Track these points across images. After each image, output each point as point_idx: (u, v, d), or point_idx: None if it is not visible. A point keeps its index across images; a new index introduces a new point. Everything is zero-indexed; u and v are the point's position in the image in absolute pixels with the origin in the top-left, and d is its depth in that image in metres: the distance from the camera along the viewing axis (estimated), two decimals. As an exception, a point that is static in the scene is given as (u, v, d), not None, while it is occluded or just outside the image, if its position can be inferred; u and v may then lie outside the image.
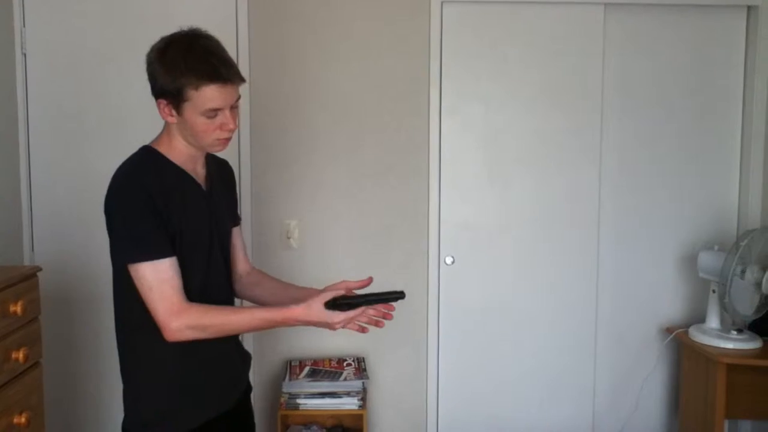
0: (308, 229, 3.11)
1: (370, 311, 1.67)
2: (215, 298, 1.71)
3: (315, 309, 1.63)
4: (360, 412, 2.85)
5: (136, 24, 2.92)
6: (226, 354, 1.79)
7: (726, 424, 2.99)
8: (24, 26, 2.89)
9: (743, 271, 2.80)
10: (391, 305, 1.70)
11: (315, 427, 2.98)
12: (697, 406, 3.00)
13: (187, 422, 1.69)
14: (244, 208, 3.01)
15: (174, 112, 1.64)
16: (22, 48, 2.89)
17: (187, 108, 1.62)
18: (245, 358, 1.92)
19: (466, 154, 3.16)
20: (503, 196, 3.19)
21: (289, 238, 3.10)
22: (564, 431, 3.25)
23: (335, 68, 3.07)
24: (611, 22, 3.15)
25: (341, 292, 1.66)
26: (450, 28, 3.09)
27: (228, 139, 1.70)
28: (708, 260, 2.98)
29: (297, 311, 1.63)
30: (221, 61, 1.64)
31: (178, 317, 1.59)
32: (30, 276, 2.13)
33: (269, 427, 3.08)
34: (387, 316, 1.71)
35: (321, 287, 3.24)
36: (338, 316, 1.63)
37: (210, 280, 1.73)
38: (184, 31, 1.67)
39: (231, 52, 3.00)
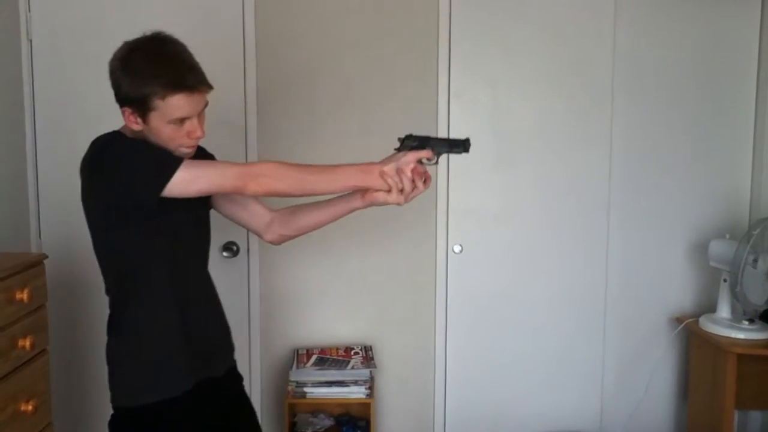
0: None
1: (418, 169, 1.69)
2: (190, 284, 1.74)
3: (385, 162, 1.68)
4: (368, 401, 2.84)
5: (143, 8, 2.89)
6: (200, 326, 1.79)
7: (735, 414, 2.96)
8: (29, 12, 2.86)
9: (755, 261, 2.76)
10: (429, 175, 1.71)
11: (322, 416, 2.97)
12: (706, 395, 2.98)
13: (163, 391, 1.70)
14: (251, 195, 2.99)
15: (140, 120, 1.62)
16: (27, 34, 2.87)
17: (154, 117, 1.60)
18: (228, 336, 1.93)
19: (474, 136, 3.07)
20: (512, 182, 3.15)
21: (296, 225, 3.07)
22: (572, 418, 3.24)
23: (343, 50, 3.04)
24: (622, 5, 3.10)
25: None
26: (459, 9, 3.04)
27: (195, 146, 1.69)
28: (719, 249, 2.95)
29: (374, 165, 1.68)
30: (188, 67, 1.61)
31: (253, 165, 1.65)
32: (36, 263, 2.13)
33: (276, 416, 3.08)
34: (427, 178, 1.72)
35: (329, 277, 3.23)
36: (408, 155, 1.67)
37: (183, 269, 1.74)
38: (147, 35, 1.63)
39: (237, 34, 3.02)
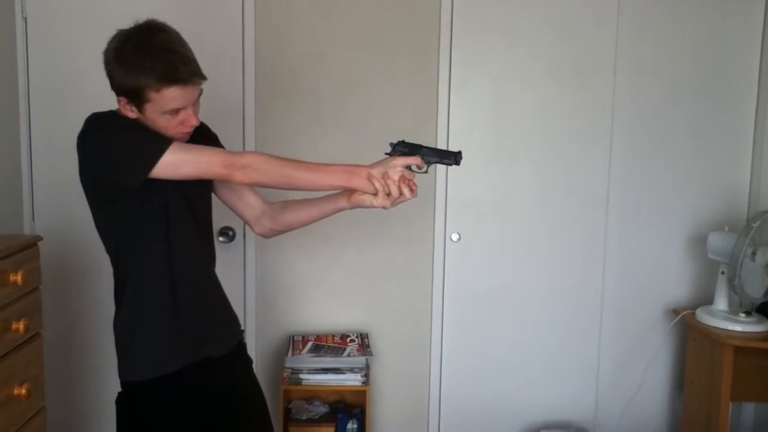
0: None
1: (405, 176, 1.67)
2: (186, 263, 1.74)
3: (374, 166, 1.67)
4: (363, 388, 2.84)
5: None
6: (194, 306, 1.78)
7: (730, 406, 2.97)
8: (24, -11, 2.82)
9: (754, 253, 2.76)
10: (414, 183, 1.69)
11: (317, 403, 2.97)
12: (702, 387, 2.98)
13: (154, 369, 1.71)
14: (248, 180, 2.97)
15: (135, 109, 1.63)
16: (22, 12, 2.82)
17: (148, 107, 1.61)
18: (228, 316, 1.93)
19: (474, 129, 3.11)
20: (511, 174, 3.14)
21: (293, 211, 3.05)
22: (567, 409, 3.24)
23: (343, 40, 3.01)
24: (625, 0, 3.07)
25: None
26: (461, 2, 3.01)
27: (189, 132, 1.69)
28: (718, 241, 2.94)
29: (362, 167, 1.67)
30: (181, 59, 1.59)
31: (241, 155, 1.67)
32: (30, 245, 2.10)
33: (271, 402, 3.03)
34: (413, 187, 1.69)
35: (326, 263, 3.21)
36: (396, 159, 1.66)
37: (179, 248, 1.73)
38: (140, 24, 1.62)
39: (236, 25, 2.98)
